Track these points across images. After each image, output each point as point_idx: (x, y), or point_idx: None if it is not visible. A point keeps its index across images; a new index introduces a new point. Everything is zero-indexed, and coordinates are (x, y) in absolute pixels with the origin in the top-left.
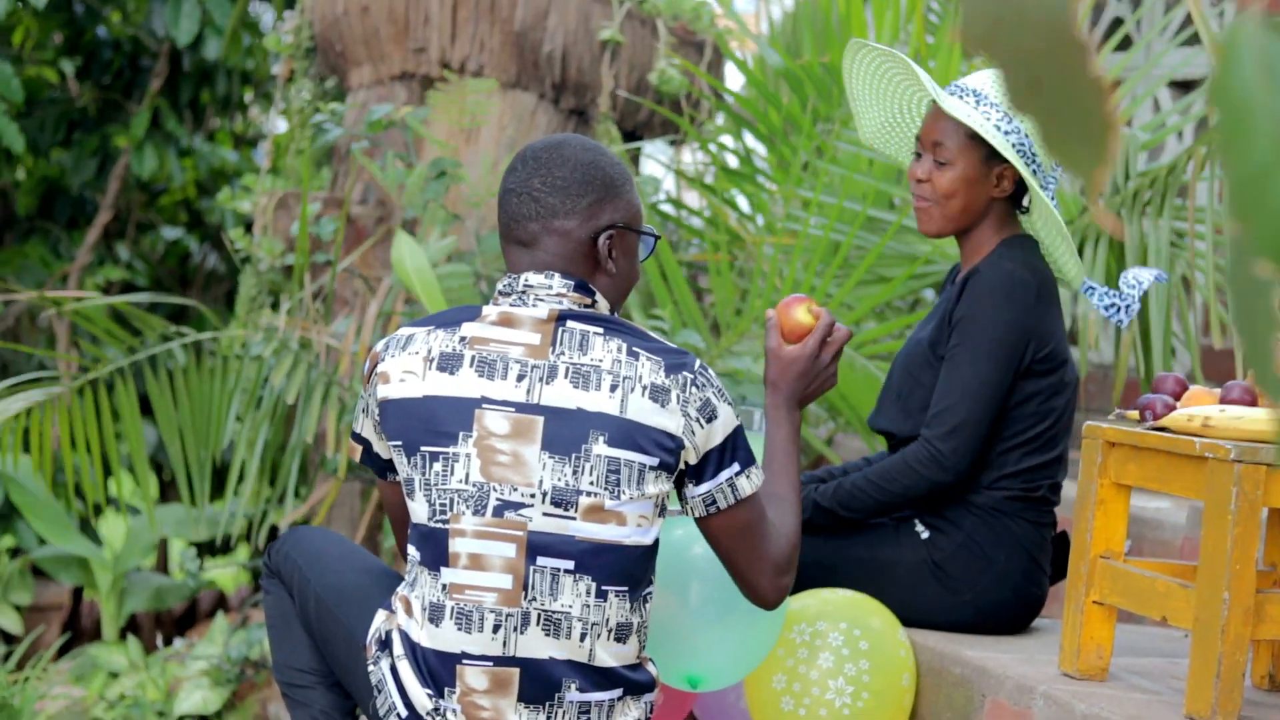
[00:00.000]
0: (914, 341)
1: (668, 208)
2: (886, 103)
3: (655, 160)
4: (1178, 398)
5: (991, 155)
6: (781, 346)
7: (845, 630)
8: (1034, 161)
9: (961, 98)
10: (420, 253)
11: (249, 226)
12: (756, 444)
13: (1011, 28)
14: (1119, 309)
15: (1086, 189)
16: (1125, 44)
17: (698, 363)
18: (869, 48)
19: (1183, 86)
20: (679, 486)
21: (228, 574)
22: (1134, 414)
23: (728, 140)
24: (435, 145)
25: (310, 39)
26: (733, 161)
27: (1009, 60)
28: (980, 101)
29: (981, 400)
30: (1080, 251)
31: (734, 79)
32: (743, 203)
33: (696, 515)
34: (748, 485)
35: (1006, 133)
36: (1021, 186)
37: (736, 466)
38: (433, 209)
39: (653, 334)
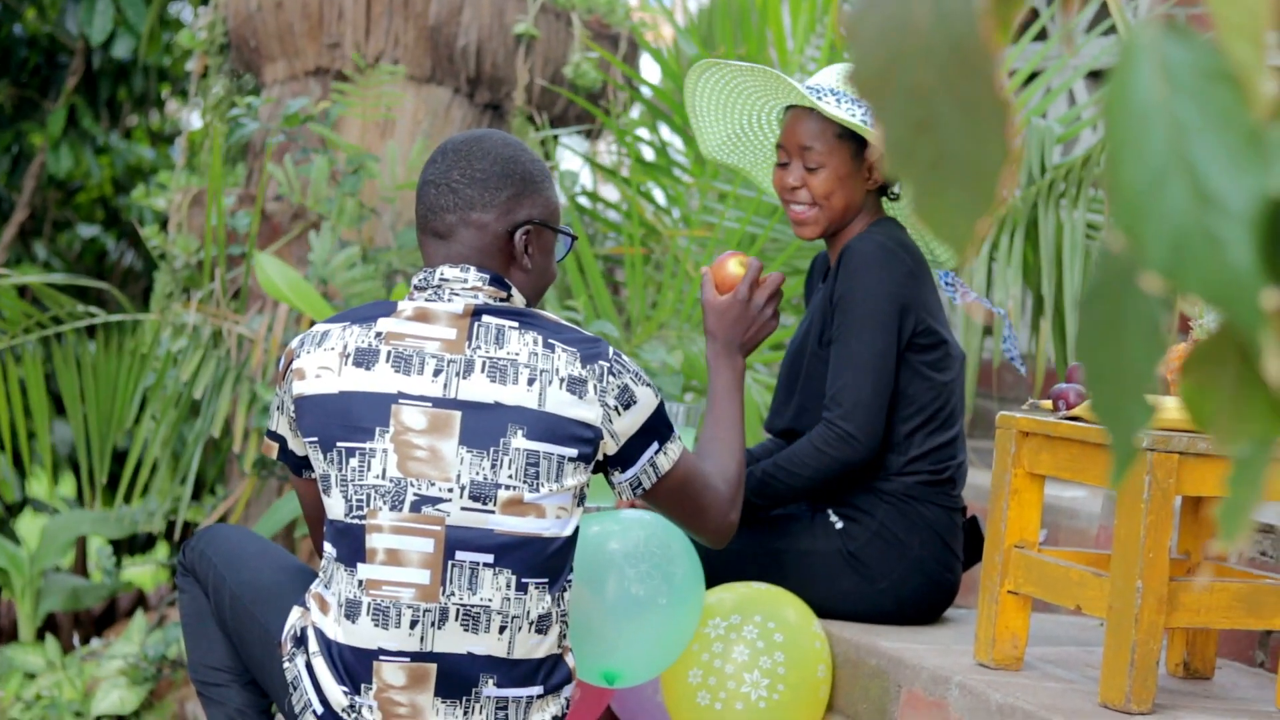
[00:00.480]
0: (798, 338)
1: (584, 201)
2: (733, 117)
3: (571, 151)
4: None
5: (860, 149)
6: (715, 297)
7: (760, 623)
8: None
9: (820, 98)
10: (287, 269)
11: (165, 224)
12: (685, 439)
13: (909, 60)
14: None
15: (963, 239)
16: (1042, 35)
17: (611, 350)
18: (720, 65)
19: (1100, 78)
20: (604, 473)
21: (146, 573)
22: (1047, 404)
23: (644, 133)
24: (343, 148)
25: (224, 35)
26: (649, 154)
27: (899, 102)
28: (841, 99)
29: (876, 372)
30: (995, 242)
31: (649, 72)
32: (659, 195)
33: (626, 498)
34: (666, 461)
35: (873, 126)
36: None
37: (655, 445)
38: (345, 203)
39: (566, 324)
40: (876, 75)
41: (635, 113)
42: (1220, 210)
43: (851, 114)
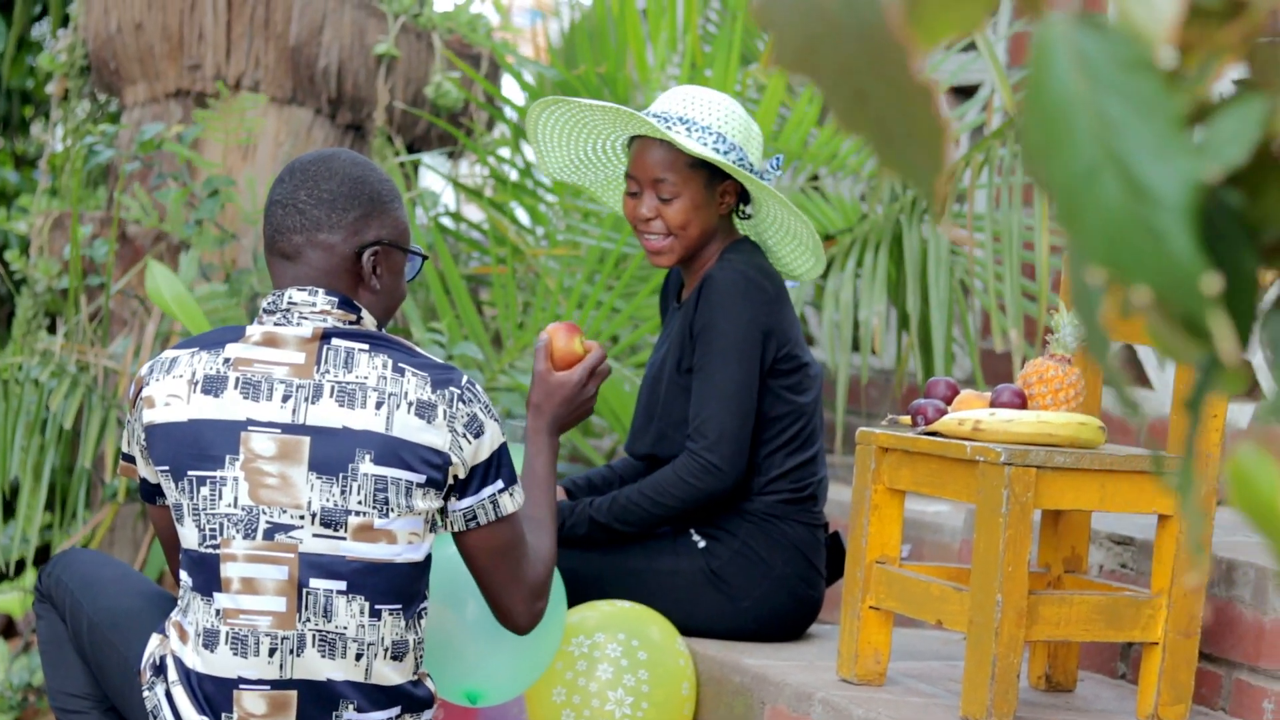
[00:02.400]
0: (656, 362)
1: (447, 221)
2: (577, 145)
3: (435, 172)
4: (949, 402)
5: (713, 176)
6: (550, 372)
7: (624, 641)
8: (753, 169)
9: (670, 128)
10: (176, 280)
11: (27, 248)
12: (520, 455)
13: (826, 43)
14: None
15: (928, 199)
16: None
17: (465, 378)
18: (563, 102)
19: (959, 93)
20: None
21: (15, 599)
22: (907, 419)
23: (505, 153)
24: (203, 166)
25: (84, 57)
26: (512, 174)
27: (829, 77)
28: (691, 128)
29: (739, 402)
30: (860, 259)
31: (512, 91)
32: (522, 215)
33: (455, 529)
34: (510, 503)
35: (725, 152)
36: (740, 196)
37: (500, 484)
38: (205, 229)
39: (420, 349)
40: (798, 56)
41: (498, 132)
42: (1154, 201)
43: (703, 143)
